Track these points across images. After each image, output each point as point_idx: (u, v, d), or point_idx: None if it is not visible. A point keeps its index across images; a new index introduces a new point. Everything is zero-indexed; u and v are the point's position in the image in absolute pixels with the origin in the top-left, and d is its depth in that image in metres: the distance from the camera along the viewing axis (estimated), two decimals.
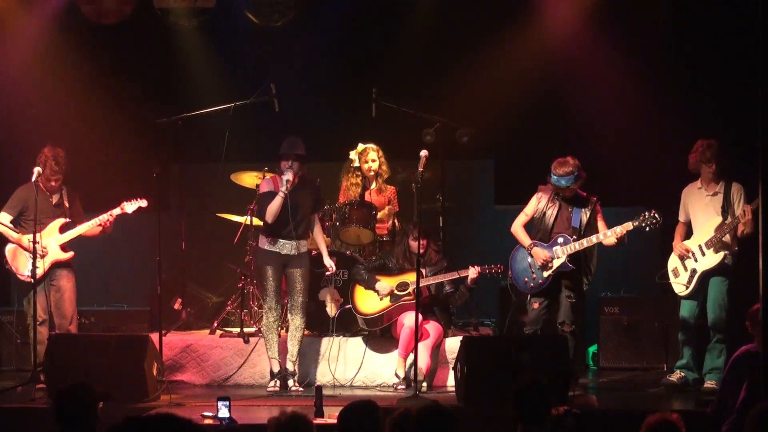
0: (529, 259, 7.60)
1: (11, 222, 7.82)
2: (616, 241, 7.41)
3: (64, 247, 7.91)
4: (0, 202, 7.98)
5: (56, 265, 7.88)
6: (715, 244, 7.37)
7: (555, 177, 7.48)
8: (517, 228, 7.73)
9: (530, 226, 7.71)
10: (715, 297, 7.40)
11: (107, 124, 9.38)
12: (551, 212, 7.57)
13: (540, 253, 7.51)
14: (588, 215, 7.56)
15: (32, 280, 7.55)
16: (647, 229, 7.36)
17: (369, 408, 4.36)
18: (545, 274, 7.52)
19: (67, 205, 7.99)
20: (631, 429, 4.38)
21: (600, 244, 7.51)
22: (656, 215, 7.34)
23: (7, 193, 8.00)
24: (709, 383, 7.31)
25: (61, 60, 9.55)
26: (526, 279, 7.61)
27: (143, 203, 8.10)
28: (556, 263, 7.48)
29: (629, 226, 7.38)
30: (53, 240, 7.85)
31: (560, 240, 7.51)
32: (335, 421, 4.56)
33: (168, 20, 9.60)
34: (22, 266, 7.79)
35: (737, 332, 7.12)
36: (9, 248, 7.88)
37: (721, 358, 7.32)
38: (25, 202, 7.84)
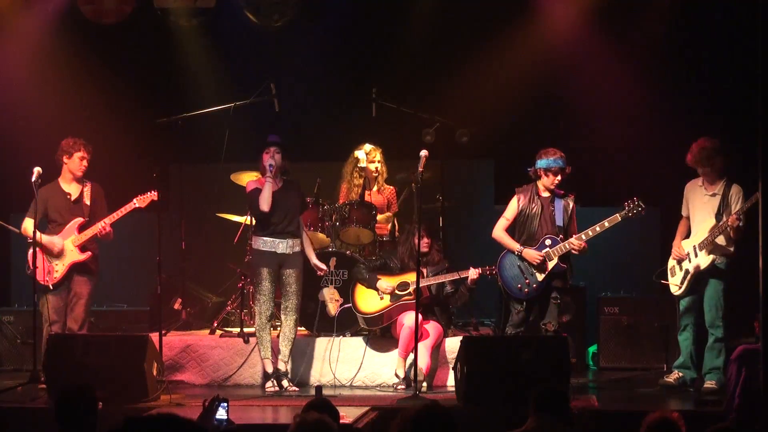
0: (519, 264, 7.40)
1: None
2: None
3: (83, 248, 7.83)
4: None
5: (76, 270, 7.79)
6: (708, 245, 7.34)
7: (545, 161, 7.34)
8: (501, 233, 7.51)
9: (512, 230, 7.53)
10: (711, 297, 7.38)
11: (107, 124, 9.38)
12: (534, 212, 7.42)
13: (533, 253, 7.33)
14: (569, 213, 7.46)
15: (50, 285, 7.65)
16: (634, 218, 7.31)
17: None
18: (540, 277, 7.35)
19: (87, 202, 7.90)
20: (631, 429, 4.38)
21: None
22: (640, 203, 7.28)
23: (5, 192, 7.98)
24: (709, 383, 7.30)
25: (61, 60, 9.56)
26: (520, 285, 7.39)
27: (154, 196, 7.98)
28: (550, 264, 7.34)
29: (617, 218, 7.31)
30: (71, 240, 7.77)
31: (548, 242, 7.35)
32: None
33: (168, 20, 9.61)
34: (40, 269, 7.66)
35: (734, 332, 7.14)
36: (31, 252, 7.66)
37: (720, 357, 7.30)
38: (45, 203, 7.78)
